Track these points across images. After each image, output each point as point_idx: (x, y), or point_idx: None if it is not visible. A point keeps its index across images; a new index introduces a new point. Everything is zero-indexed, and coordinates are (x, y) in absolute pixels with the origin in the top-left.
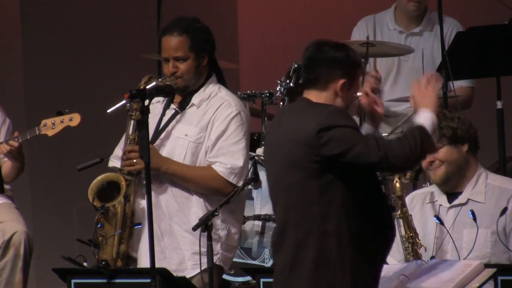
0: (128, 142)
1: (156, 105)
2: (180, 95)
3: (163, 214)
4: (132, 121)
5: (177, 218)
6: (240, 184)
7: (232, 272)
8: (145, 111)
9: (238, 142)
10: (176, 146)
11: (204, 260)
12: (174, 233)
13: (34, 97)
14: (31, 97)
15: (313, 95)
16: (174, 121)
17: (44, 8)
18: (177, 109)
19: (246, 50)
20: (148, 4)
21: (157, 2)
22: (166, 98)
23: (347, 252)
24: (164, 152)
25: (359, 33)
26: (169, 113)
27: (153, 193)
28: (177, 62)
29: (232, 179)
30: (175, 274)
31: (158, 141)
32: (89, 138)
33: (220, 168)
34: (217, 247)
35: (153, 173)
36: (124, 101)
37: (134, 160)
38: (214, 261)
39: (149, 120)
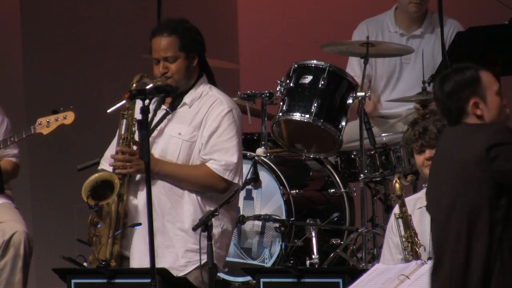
0: (120, 141)
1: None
2: (171, 97)
3: (156, 212)
4: (124, 120)
5: (169, 216)
6: (235, 180)
7: (226, 270)
8: (146, 111)
9: (231, 139)
10: (169, 145)
11: (202, 257)
12: (167, 231)
13: (34, 97)
14: (31, 97)
15: None
16: (166, 120)
17: (44, 8)
18: (167, 109)
19: (246, 50)
20: (148, 4)
21: (157, 2)
22: (157, 100)
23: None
24: (157, 151)
25: (359, 35)
26: (160, 113)
27: (145, 192)
28: (167, 63)
29: (227, 175)
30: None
31: (150, 140)
32: (89, 138)
33: (214, 166)
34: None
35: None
36: (124, 101)
37: (128, 163)
38: (206, 258)
39: (136, 113)
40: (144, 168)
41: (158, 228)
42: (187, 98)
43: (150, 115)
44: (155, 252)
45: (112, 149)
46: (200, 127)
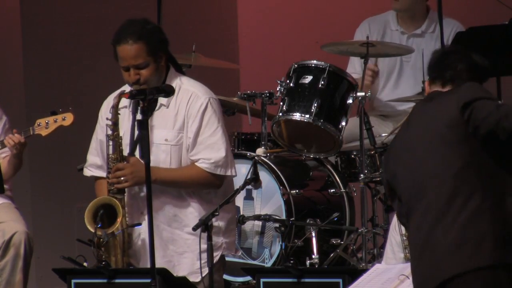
0: (110, 163)
1: (124, 111)
2: (169, 97)
3: (162, 223)
4: (111, 142)
5: (176, 223)
6: (228, 173)
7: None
8: (145, 111)
9: (215, 132)
10: (159, 153)
11: (204, 263)
12: (177, 238)
13: (34, 96)
14: (31, 96)
15: None
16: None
17: (44, 8)
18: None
19: (246, 50)
20: (148, 4)
21: (157, 2)
22: (132, 103)
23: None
24: None
25: (361, 34)
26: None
27: (145, 198)
28: (138, 69)
29: (219, 171)
30: (190, 278)
31: (138, 151)
32: (89, 138)
33: (204, 165)
34: (219, 240)
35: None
36: (123, 102)
37: (122, 178)
38: (219, 253)
39: (120, 127)
40: (144, 169)
41: (168, 237)
42: (162, 99)
43: (129, 121)
44: (171, 262)
45: (94, 153)
46: (184, 128)
